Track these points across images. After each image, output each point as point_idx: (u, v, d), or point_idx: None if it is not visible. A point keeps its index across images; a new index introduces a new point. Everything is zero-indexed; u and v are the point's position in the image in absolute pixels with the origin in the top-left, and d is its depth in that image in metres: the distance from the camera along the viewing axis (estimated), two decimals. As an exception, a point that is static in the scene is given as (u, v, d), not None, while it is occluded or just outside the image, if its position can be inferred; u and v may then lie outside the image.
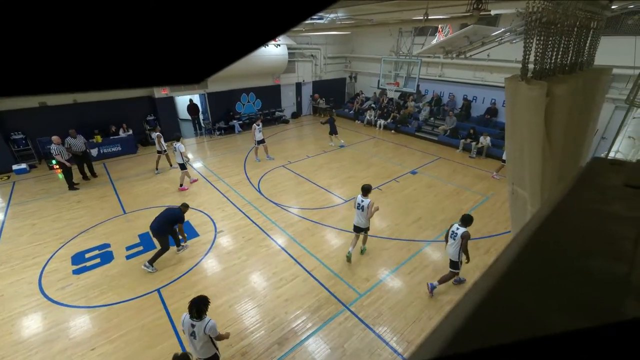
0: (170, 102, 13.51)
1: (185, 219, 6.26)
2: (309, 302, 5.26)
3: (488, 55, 11.46)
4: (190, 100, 14.37)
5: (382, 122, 15.41)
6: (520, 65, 2.04)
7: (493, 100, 13.02)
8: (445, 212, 8.03)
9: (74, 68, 0.28)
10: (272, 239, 6.95)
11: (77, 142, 9.42)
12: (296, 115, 17.94)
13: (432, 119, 14.42)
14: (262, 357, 4.37)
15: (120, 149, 11.98)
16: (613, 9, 3.80)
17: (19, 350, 4.48)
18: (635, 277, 0.37)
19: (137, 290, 5.52)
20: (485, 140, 11.60)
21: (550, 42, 2.06)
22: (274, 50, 14.19)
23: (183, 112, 15.24)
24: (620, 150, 5.03)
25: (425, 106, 14.87)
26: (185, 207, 6.25)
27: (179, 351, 3.92)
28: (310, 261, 6.23)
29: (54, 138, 8.76)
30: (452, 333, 0.30)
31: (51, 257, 6.39)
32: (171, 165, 10.78)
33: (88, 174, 9.99)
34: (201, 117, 15.02)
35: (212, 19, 0.29)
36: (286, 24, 0.32)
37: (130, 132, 12.29)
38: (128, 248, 6.67)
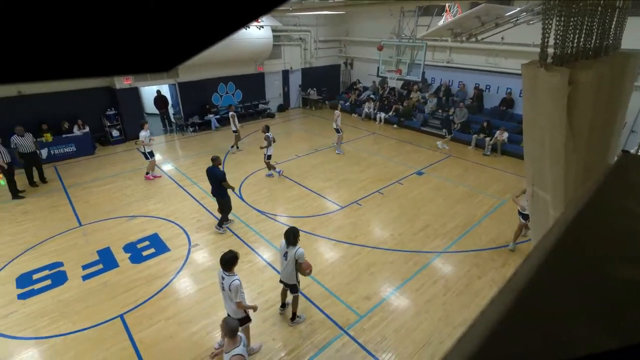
0: (134, 93, 13.38)
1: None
2: (301, 327, 5.23)
3: (502, 38, 11.68)
4: (158, 92, 14.26)
5: (382, 115, 15.53)
6: (538, 50, 2.08)
7: (509, 90, 13.26)
8: (457, 218, 8.11)
9: (19, 52, 0.27)
10: (256, 253, 6.91)
11: (25, 142, 9.22)
12: (283, 108, 17.94)
13: (439, 111, 14.60)
14: (246, 392, 4.32)
15: (74, 149, 11.79)
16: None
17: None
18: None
19: (96, 317, 5.40)
20: (501, 136, 11.79)
21: (571, 23, 2.10)
22: (256, 33, 14.20)
23: (150, 106, 15.10)
24: (651, 145, 5.17)
25: (431, 97, 15.05)
26: (213, 160, 7.19)
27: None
28: (302, 278, 6.20)
29: (-6, 137, 8.58)
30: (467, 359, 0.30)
31: (-9, 279, 6.23)
32: (237, 147, 12.28)
33: (37, 179, 9.79)
34: (171, 111, 14.90)
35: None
36: (270, 3, 0.32)
37: (87, 129, 12.11)
38: (85, 267, 6.54)
